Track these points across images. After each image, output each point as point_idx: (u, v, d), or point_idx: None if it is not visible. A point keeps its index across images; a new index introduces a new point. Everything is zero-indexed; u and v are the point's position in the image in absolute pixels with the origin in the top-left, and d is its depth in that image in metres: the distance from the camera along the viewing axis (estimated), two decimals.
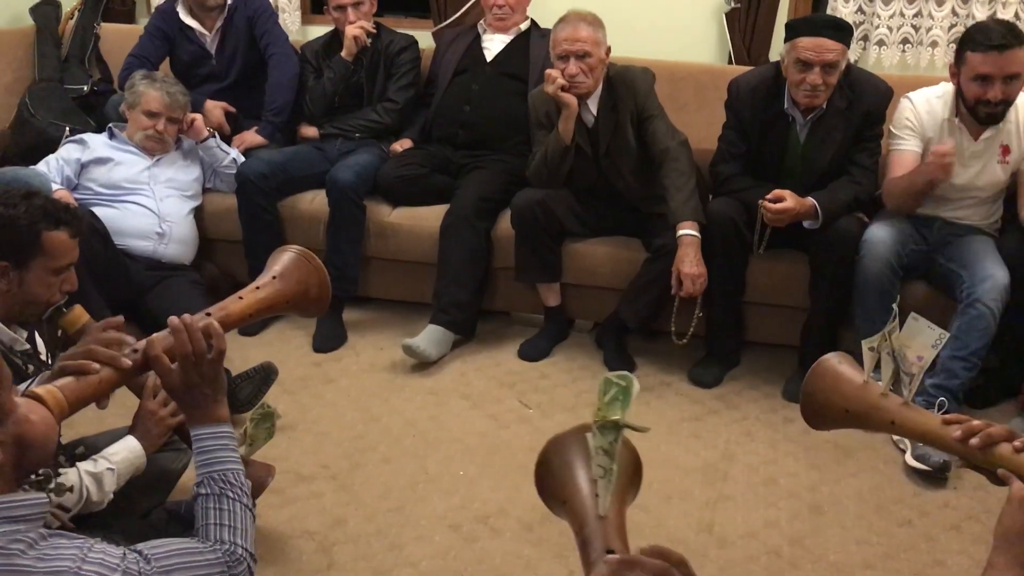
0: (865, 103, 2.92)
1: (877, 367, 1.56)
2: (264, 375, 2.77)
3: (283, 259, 1.59)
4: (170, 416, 1.93)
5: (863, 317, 2.84)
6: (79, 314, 1.86)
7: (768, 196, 2.85)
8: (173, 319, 1.39)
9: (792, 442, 2.77)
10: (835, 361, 1.58)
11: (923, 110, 2.91)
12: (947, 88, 2.91)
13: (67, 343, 1.99)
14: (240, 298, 1.51)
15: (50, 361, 1.87)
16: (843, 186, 2.92)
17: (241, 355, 3.13)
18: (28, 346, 1.84)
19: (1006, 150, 2.86)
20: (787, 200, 2.83)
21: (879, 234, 2.84)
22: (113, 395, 2.50)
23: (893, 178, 2.89)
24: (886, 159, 3.02)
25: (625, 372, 1.27)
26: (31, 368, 1.82)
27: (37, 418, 1.21)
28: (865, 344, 1.58)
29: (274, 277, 1.56)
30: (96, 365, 1.32)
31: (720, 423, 2.87)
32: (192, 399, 1.39)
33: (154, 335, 1.39)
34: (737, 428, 2.85)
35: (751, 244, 3.02)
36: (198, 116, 3.45)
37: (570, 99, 3.00)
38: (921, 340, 1.50)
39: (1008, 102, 2.76)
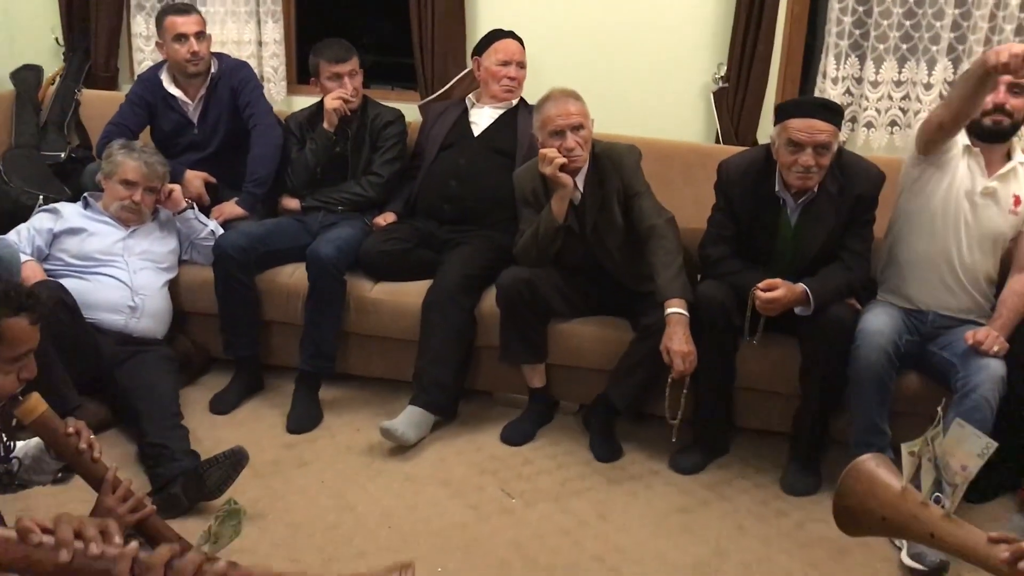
0: (857, 188, 2.88)
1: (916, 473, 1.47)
2: (234, 460, 2.64)
3: None
4: (129, 513, 1.81)
5: (858, 407, 2.76)
6: (36, 403, 1.76)
7: (760, 284, 2.80)
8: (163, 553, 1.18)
9: (786, 538, 2.66)
10: (872, 464, 1.50)
11: None
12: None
13: (24, 432, 1.88)
14: None
15: (2, 452, 1.75)
16: (835, 272, 2.87)
17: (212, 435, 3.01)
18: None
19: (1018, 200, 2.85)
20: (779, 289, 2.78)
21: (876, 323, 2.77)
22: (71, 485, 2.39)
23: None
24: (879, 243, 3.00)
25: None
26: None
27: None
28: (905, 448, 1.50)
29: None
30: (37, 539, 1.15)
31: (711, 516, 2.76)
32: None
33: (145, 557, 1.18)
34: (729, 521, 2.73)
35: (741, 328, 2.94)
36: (176, 187, 3.38)
37: (567, 179, 2.97)
38: (966, 448, 1.42)
39: (1013, 119, 2.81)
